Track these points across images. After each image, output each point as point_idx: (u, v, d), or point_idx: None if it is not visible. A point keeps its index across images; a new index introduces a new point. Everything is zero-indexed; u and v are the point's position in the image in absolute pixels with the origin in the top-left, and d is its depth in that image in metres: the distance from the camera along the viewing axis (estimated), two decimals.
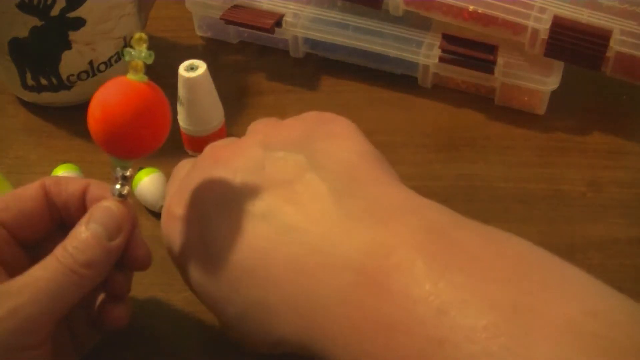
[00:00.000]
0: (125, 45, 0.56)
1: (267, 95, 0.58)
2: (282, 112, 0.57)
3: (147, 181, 0.48)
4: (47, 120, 0.56)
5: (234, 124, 0.54)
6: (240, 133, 0.54)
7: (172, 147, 0.52)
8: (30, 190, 0.36)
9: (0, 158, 0.53)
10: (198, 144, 0.51)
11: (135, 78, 0.33)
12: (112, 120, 0.32)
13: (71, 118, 0.56)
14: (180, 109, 0.50)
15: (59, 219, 0.37)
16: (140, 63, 0.33)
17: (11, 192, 0.36)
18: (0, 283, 0.31)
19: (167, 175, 0.49)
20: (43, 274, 0.31)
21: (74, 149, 0.53)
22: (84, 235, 0.32)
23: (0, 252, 0.34)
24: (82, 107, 0.57)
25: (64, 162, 0.49)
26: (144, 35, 0.33)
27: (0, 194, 0.47)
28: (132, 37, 0.33)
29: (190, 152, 0.52)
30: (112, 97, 0.32)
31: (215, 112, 0.50)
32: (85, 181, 0.37)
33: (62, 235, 0.35)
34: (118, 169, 0.35)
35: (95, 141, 0.34)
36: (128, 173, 0.35)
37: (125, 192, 0.35)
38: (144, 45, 0.33)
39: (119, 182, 0.35)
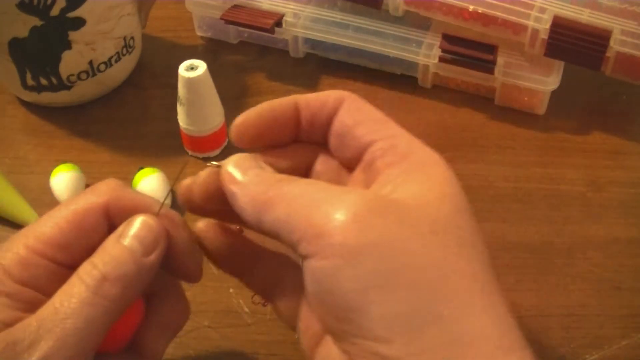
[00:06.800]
0: (125, 45, 0.56)
1: (267, 95, 0.58)
2: None
3: (147, 181, 0.48)
4: (47, 120, 0.56)
5: None
6: None
7: (172, 147, 0.53)
8: (93, 223, 0.30)
9: (0, 158, 0.53)
10: (198, 144, 0.51)
11: None
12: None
13: (71, 118, 0.56)
14: (180, 109, 0.50)
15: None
16: None
17: (75, 219, 0.30)
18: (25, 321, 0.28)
19: (167, 175, 0.49)
20: (67, 309, 0.27)
21: (74, 149, 0.53)
22: (116, 249, 0.29)
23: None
24: (82, 107, 0.57)
25: (64, 162, 0.49)
26: None
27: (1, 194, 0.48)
28: None
29: (190, 152, 0.52)
30: None
31: (215, 112, 0.50)
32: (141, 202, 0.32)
33: None
34: None
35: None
36: None
37: None
38: None
39: None
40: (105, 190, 0.31)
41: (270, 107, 0.32)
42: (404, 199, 0.27)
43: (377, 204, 0.26)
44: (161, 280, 0.32)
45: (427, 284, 0.25)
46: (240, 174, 0.29)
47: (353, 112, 0.31)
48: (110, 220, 0.31)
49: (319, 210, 0.26)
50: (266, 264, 0.33)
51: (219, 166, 0.30)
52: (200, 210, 0.33)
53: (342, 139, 0.31)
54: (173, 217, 0.31)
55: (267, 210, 0.28)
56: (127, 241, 0.29)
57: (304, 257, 0.26)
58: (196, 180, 0.31)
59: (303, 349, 0.31)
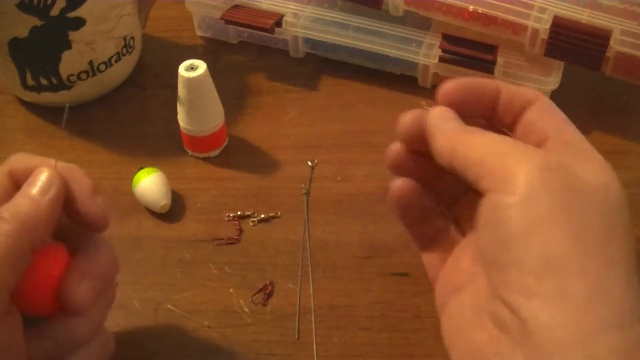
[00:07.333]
0: (125, 45, 0.56)
1: (267, 95, 0.58)
2: (282, 112, 0.57)
3: (147, 181, 0.48)
4: (47, 120, 0.56)
5: (234, 123, 0.54)
6: (240, 133, 0.54)
7: (172, 147, 0.53)
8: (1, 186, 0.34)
9: (0, 158, 0.53)
10: (198, 144, 0.51)
11: None
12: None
13: (71, 118, 0.56)
14: (180, 109, 0.50)
15: None
16: None
17: None
18: None
19: (167, 175, 0.49)
20: None
21: (74, 149, 0.53)
22: (15, 197, 0.32)
23: None
24: (82, 107, 0.57)
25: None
26: None
27: None
28: None
29: (190, 152, 0.52)
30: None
31: (215, 112, 0.50)
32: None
33: None
34: None
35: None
36: None
37: None
38: None
39: None
40: (9, 160, 0.35)
41: (478, 81, 0.35)
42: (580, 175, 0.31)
43: (561, 164, 0.30)
44: (83, 236, 0.35)
45: (586, 243, 0.28)
46: (444, 119, 0.34)
47: (543, 109, 0.34)
48: (17, 184, 0.34)
49: (511, 155, 0.30)
50: (430, 220, 0.38)
51: (427, 109, 0.35)
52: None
53: (527, 129, 0.34)
54: (71, 168, 0.34)
55: (463, 145, 0.32)
56: (24, 189, 0.33)
57: (487, 190, 0.30)
58: (403, 117, 0.37)
59: (435, 300, 0.36)
